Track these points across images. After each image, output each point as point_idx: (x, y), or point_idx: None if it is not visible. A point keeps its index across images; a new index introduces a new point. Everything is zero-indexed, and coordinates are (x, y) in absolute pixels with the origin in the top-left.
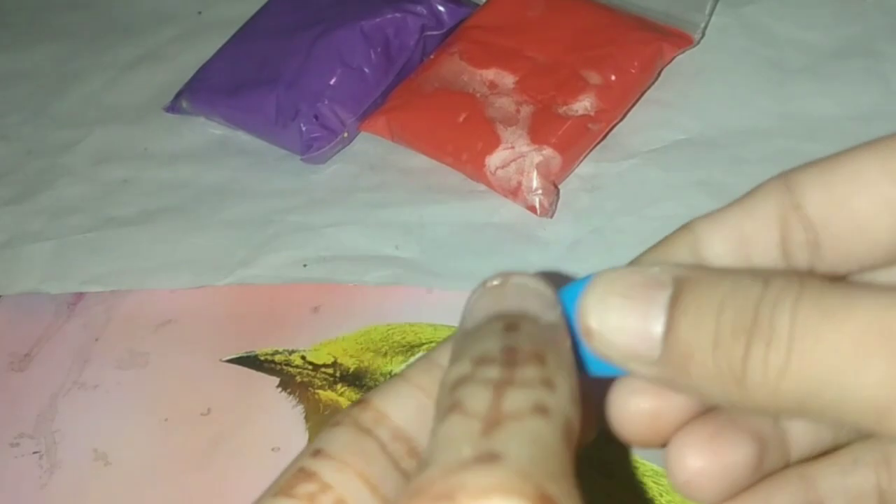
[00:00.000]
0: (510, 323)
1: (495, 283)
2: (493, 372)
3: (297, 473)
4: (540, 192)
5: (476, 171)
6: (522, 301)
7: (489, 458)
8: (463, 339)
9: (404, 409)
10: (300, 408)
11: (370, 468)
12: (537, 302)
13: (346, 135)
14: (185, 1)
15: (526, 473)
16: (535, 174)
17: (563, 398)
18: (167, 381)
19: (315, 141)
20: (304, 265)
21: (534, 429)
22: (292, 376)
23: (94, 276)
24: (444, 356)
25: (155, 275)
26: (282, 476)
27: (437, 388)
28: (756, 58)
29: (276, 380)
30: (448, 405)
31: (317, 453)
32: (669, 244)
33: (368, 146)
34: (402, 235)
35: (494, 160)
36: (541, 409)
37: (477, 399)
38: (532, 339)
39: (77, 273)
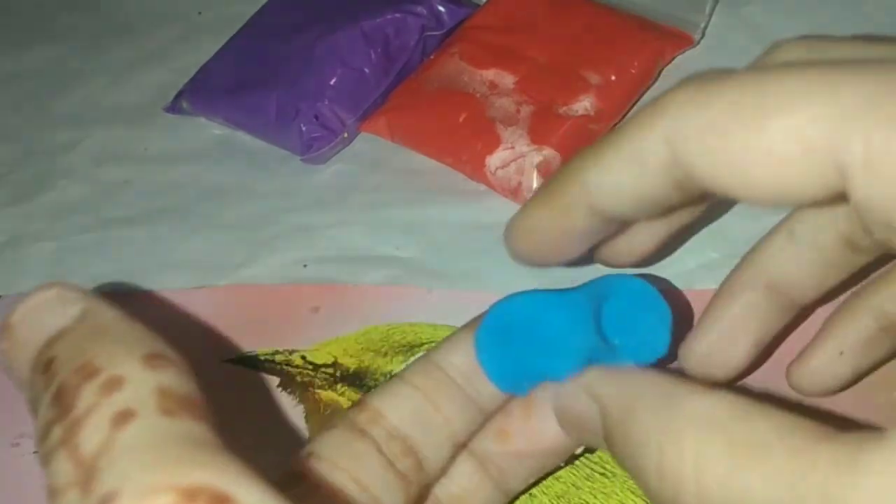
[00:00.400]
0: (41, 363)
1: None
2: (56, 431)
3: None
4: None
5: (476, 171)
6: (37, 331)
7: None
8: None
9: (401, 408)
10: (300, 408)
11: (362, 470)
12: (49, 315)
13: (346, 135)
14: (185, 1)
15: (146, 487)
16: (535, 174)
17: (138, 381)
18: None
19: (315, 141)
20: (304, 265)
21: (129, 440)
22: (292, 376)
23: (93, 276)
24: (442, 356)
25: (155, 275)
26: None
27: (436, 386)
28: (756, 58)
29: (276, 380)
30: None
31: (309, 456)
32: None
33: (368, 146)
34: (402, 235)
35: (494, 160)
36: (123, 417)
37: (60, 470)
38: (69, 358)
39: (77, 273)
